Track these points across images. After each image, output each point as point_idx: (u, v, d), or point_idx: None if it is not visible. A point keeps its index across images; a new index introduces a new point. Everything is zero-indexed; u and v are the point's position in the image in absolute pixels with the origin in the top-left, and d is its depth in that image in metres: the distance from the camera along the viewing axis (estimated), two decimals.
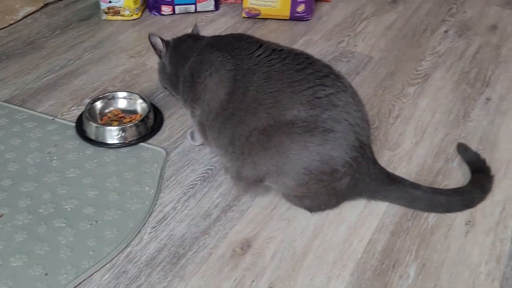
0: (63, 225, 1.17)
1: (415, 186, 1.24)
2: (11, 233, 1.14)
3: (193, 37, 1.36)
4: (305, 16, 2.11)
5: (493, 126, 1.58)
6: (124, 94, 1.53)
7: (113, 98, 1.52)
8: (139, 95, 1.52)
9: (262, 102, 1.12)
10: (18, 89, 1.61)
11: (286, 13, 2.08)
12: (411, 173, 1.38)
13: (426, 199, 1.23)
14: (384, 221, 1.24)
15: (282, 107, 1.10)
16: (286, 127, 1.08)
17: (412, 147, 1.48)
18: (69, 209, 1.21)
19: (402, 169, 1.40)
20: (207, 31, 2.00)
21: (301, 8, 2.07)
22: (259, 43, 1.21)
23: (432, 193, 1.24)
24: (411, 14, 2.24)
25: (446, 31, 2.12)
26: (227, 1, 2.25)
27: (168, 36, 1.41)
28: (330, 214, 1.25)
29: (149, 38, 1.34)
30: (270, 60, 1.15)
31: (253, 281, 1.09)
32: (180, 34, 1.42)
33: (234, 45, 1.22)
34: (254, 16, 2.10)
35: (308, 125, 1.08)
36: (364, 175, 1.17)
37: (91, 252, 1.11)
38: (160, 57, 1.38)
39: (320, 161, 1.09)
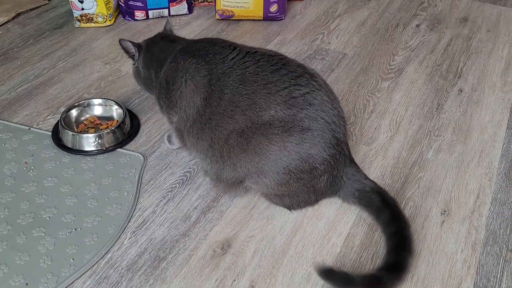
0: (43, 234, 1.17)
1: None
2: None
3: (166, 39, 1.36)
4: (278, 16, 2.12)
5: (465, 116, 1.61)
6: (100, 101, 1.53)
7: (89, 105, 1.52)
8: (115, 101, 1.52)
9: (238, 104, 1.13)
10: None
11: (260, 13, 2.09)
12: (387, 166, 1.40)
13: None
14: (361, 215, 1.26)
15: (258, 108, 1.11)
16: (264, 128, 1.10)
17: (387, 141, 1.50)
18: (48, 218, 1.21)
19: (378, 163, 1.42)
20: (181, 34, 1.98)
21: (274, 8, 2.09)
22: (233, 47, 1.22)
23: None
24: (383, 10, 2.27)
25: (418, 25, 2.15)
26: (200, 4, 2.26)
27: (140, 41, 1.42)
28: (308, 211, 1.26)
29: (120, 43, 1.34)
30: (244, 63, 1.16)
31: (234, 280, 1.10)
32: (156, 34, 1.42)
33: (208, 50, 1.22)
34: (227, 18, 2.11)
35: (286, 125, 1.09)
36: (341, 172, 1.19)
37: (71, 260, 1.11)
38: (133, 61, 1.38)
39: (299, 160, 1.10)
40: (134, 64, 1.40)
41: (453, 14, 2.24)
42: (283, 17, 2.14)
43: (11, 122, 1.51)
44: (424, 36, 2.07)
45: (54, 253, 1.12)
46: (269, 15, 2.10)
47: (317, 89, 1.13)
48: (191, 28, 2.08)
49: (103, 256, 1.14)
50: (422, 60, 1.90)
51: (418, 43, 2.01)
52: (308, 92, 1.12)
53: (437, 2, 2.36)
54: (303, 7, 2.27)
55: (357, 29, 2.11)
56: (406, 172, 1.39)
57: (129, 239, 1.18)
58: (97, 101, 1.52)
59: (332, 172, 1.17)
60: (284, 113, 1.10)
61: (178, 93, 1.22)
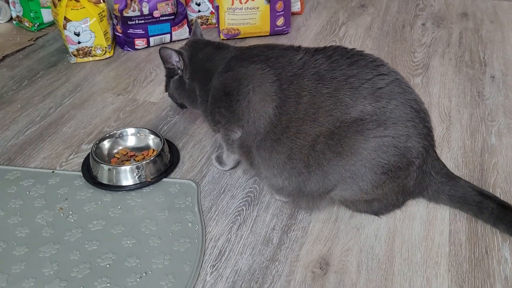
0: (108, 285, 0.98)
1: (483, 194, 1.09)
2: None
3: (210, 45, 1.22)
4: (285, 29, 2.04)
5: (510, 99, 1.55)
6: (132, 130, 1.36)
7: (121, 136, 1.35)
8: (149, 129, 1.36)
9: (321, 105, 0.99)
10: None
11: (266, 28, 2.00)
12: (457, 157, 1.31)
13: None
14: (454, 210, 1.14)
15: (344, 105, 0.98)
16: (356, 125, 0.97)
17: (445, 132, 1.41)
18: (107, 265, 1.02)
19: (445, 155, 1.32)
20: None
21: (280, 21, 2.00)
22: (295, 47, 1.10)
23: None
24: (384, 14, 2.24)
25: (423, 24, 2.13)
26: (201, 27, 2.14)
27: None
28: (397, 214, 1.14)
29: (160, 52, 1.18)
30: (315, 61, 1.04)
31: None
32: (191, 40, 1.27)
33: (268, 55, 1.09)
34: (233, 37, 2.01)
35: (378, 119, 0.97)
36: (429, 166, 1.08)
37: None
38: (172, 72, 1.22)
39: (397, 155, 0.98)
40: (177, 76, 1.22)
41: (452, 11, 2.24)
42: (289, 31, 2.06)
43: (29, 168, 1.31)
44: (434, 32, 2.04)
45: None
46: (276, 29, 2.01)
47: (400, 77, 1.03)
48: None
49: None
50: (442, 54, 1.86)
51: (432, 39, 1.98)
52: (393, 80, 1.01)
53: (432, 2, 2.36)
54: (304, 19, 2.21)
55: (366, 33, 2.05)
56: (478, 160, 1.29)
57: (211, 274, 1.00)
58: (130, 130, 1.35)
59: (422, 167, 1.06)
60: (373, 106, 0.98)
61: (244, 104, 1.07)
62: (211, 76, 1.15)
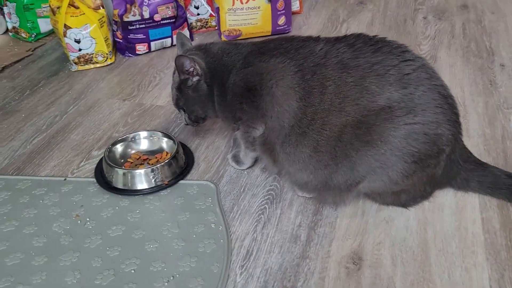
0: None
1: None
2: None
3: (221, 43, 1.19)
4: (287, 28, 2.02)
5: None
6: (145, 133, 1.32)
7: (134, 139, 1.31)
8: (162, 132, 1.32)
9: (347, 94, 0.96)
10: (6, 158, 1.35)
11: (268, 28, 1.98)
12: (478, 145, 1.29)
13: None
14: (483, 197, 1.11)
15: (371, 93, 0.95)
16: (384, 113, 0.94)
17: (462, 121, 1.38)
18: (132, 271, 0.97)
19: (466, 143, 1.28)
20: None
21: (282, 20, 1.98)
22: (314, 38, 1.07)
23: None
24: (384, 10, 2.22)
25: (425, 17, 2.12)
26: (199, 31, 2.12)
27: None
28: (425, 205, 1.11)
29: (175, 62, 1.11)
30: (337, 50, 1.01)
31: None
32: (192, 47, 1.23)
33: (287, 47, 1.06)
34: (235, 38, 1.98)
35: (407, 105, 0.94)
36: (457, 154, 1.05)
37: None
38: (185, 83, 1.14)
39: (428, 142, 0.95)
40: (194, 82, 1.14)
41: (451, 3, 2.24)
42: (290, 29, 2.04)
43: (40, 176, 1.27)
44: (436, 25, 2.03)
45: None
46: (277, 28, 1.99)
47: (426, 63, 1.01)
48: None
49: None
50: (448, 45, 1.85)
51: (435, 32, 1.97)
52: (419, 66, 0.98)
53: None
54: (304, 18, 2.19)
55: (368, 29, 2.04)
56: (501, 147, 1.27)
57: (240, 275, 0.97)
58: (142, 134, 1.32)
59: (450, 156, 1.03)
60: (400, 93, 0.95)
61: (267, 99, 1.03)
62: (229, 72, 1.11)
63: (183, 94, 1.16)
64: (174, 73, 1.19)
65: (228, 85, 1.10)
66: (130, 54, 1.91)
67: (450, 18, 2.09)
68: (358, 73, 0.96)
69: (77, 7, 1.74)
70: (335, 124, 0.97)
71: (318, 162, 1.01)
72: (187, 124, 1.23)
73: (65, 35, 1.76)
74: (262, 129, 1.08)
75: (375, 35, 1.03)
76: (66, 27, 1.75)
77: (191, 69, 1.12)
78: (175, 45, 1.96)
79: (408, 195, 1.07)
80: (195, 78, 1.13)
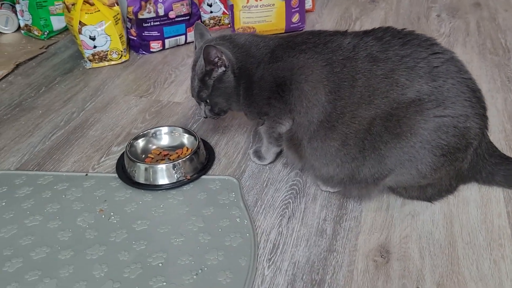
0: (163, 283, 0.93)
1: None
2: None
3: (246, 34, 1.18)
4: (300, 26, 2.02)
5: None
6: (166, 129, 1.32)
7: (155, 135, 1.31)
8: (183, 128, 1.32)
9: (377, 87, 0.96)
10: (26, 154, 1.35)
11: (282, 25, 1.98)
12: (500, 140, 1.29)
13: None
14: (507, 191, 1.11)
15: (401, 86, 0.95)
16: (414, 105, 0.94)
17: None
18: (160, 264, 0.97)
19: None
20: None
21: (296, 18, 1.98)
22: (342, 32, 1.06)
23: None
24: (396, 8, 2.23)
25: (438, 15, 2.12)
26: (212, 29, 2.12)
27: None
28: (450, 199, 1.11)
29: (203, 53, 1.07)
30: (365, 43, 1.00)
31: (418, 287, 0.90)
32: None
33: (315, 41, 1.05)
34: None
35: (437, 98, 0.94)
36: (483, 148, 1.05)
37: None
38: (209, 74, 1.12)
39: (457, 135, 0.95)
40: (219, 73, 1.11)
41: (464, 1, 2.24)
42: (304, 27, 2.04)
43: (61, 172, 1.27)
44: (451, 23, 2.03)
45: None
46: (291, 26, 1.99)
47: (455, 55, 1.01)
48: None
49: None
50: (463, 42, 1.85)
51: (450, 29, 1.97)
52: (448, 59, 0.98)
53: None
54: (317, 16, 2.19)
55: None
56: None
57: (268, 268, 0.96)
58: (163, 129, 1.32)
59: (476, 150, 1.03)
60: (429, 85, 0.95)
61: (296, 94, 1.03)
62: (257, 65, 1.10)
63: (206, 85, 1.13)
64: (194, 65, 1.17)
65: (255, 79, 1.09)
66: (144, 52, 1.91)
67: (463, 16, 2.09)
68: (387, 66, 0.96)
69: (92, 4, 1.74)
70: (364, 117, 0.97)
71: (345, 156, 1.01)
72: (206, 117, 1.21)
73: (80, 32, 1.76)
74: (289, 125, 1.07)
75: (403, 28, 1.03)
76: (81, 24, 1.75)
77: (217, 60, 1.09)
78: (189, 42, 1.97)
79: (434, 189, 1.06)
80: (221, 69, 1.11)
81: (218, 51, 1.07)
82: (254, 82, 1.09)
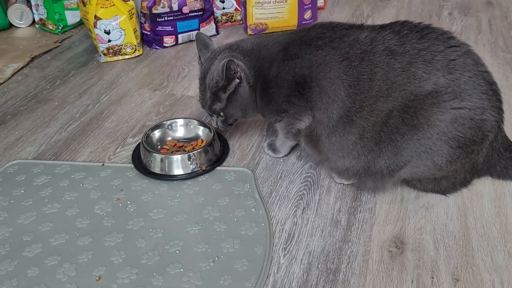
0: (181, 270, 0.94)
1: None
2: None
3: (249, 39, 1.18)
4: (312, 23, 2.02)
5: None
6: (181, 121, 1.34)
7: (171, 126, 1.33)
8: (198, 120, 1.34)
9: (395, 80, 0.97)
10: (43, 144, 1.37)
11: (294, 22, 1.99)
12: (511, 136, 1.29)
13: None
14: None
15: (418, 79, 0.96)
16: (431, 97, 0.95)
17: None
18: (177, 252, 0.99)
19: None
20: None
21: (308, 14, 2.00)
22: (357, 25, 1.07)
23: None
24: (408, 6, 2.23)
25: (450, 13, 2.12)
26: (224, 25, 2.13)
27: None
28: (464, 192, 1.12)
29: (224, 69, 1.06)
30: (383, 37, 1.01)
31: (433, 277, 0.92)
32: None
33: (331, 36, 1.05)
34: (261, 32, 2.00)
35: (454, 91, 0.95)
36: (499, 142, 1.06)
37: None
38: (224, 88, 1.11)
39: (473, 128, 0.96)
40: (235, 84, 1.10)
41: (476, 0, 2.24)
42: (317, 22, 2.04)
43: (77, 162, 1.28)
44: (462, 21, 2.03)
45: None
46: (303, 22, 2.00)
47: (471, 49, 1.01)
48: None
49: (265, 281, 0.92)
50: (475, 40, 1.85)
51: (462, 28, 1.97)
52: (465, 52, 0.99)
53: None
54: (328, 13, 2.20)
55: None
56: None
57: (284, 256, 0.98)
58: (179, 121, 1.33)
59: (492, 143, 1.04)
60: (446, 78, 0.96)
61: (316, 91, 1.03)
62: (270, 64, 1.09)
63: (220, 98, 1.12)
64: (204, 77, 1.15)
65: (270, 78, 1.09)
66: (157, 47, 1.93)
67: (475, 14, 2.09)
68: (405, 59, 0.97)
69: None
70: (382, 110, 0.98)
71: (362, 148, 1.02)
72: (217, 128, 1.21)
73: (95, 26, 1.78)
74: (309, 121, 1.08)
75: (420, 22, 1.04)
76: (96, 18, 1.77)
77: (234, 73, 1.09)
78: None
79: (448, 182, 1.07)
80: (235, 82, 1.10)
81: (234, 64, 1.06)
82: (270, 82, 1.09)
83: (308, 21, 2.01)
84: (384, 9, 2.21)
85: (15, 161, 1.28)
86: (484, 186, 1.13)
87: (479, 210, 1.06)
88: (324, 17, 2.15)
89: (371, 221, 1.05)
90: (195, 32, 1.90)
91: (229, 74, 1.07)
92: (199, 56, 1.22)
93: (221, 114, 1.16)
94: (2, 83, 1.72)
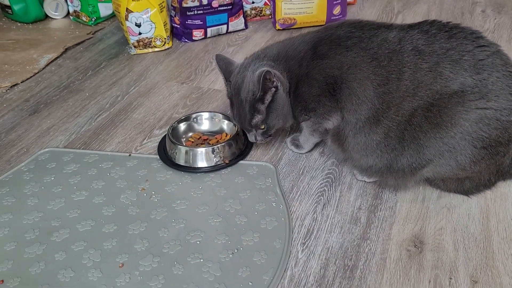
0: (200, 260, 0.97)
1: None
2: (143, 281, 0.93)
3: (279, 43, 1.18)
4: (341, 19, 2.02)
5: None
6: (207, 115, 1.36)
7: (196, 119, 1.35)
8: (223, 114, 1.36)
9: (422, 79, 0.96)
10: (73, 133, 1.41)
11: (323, 17, 1.99)
12: None
13: None
14: None
15: (445, 79, 0.95)
16: (457, 96, 0.94)
17: None
18: (198, 242, 1.01)
19: None
20: (246, 49, 1.88)
21: (337, 10, 1.99)
22: (386, 25, 1.06)
23: None
24: (440, 2, 2.20)
25: (483, 11, 2.08)
26: (253, 19, 2.14)
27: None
28: (487, 194, 1.11)
29: (260, 81, 1.04)
30: (411, 36, 1.00)
31: (451, 278, 0.91)
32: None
33: (360, 36, 1.04)
34: (289, 27, 2.00)
35: (480, 91, 0.94)
36: None
37: (249, 284, 0.91)
38: (262, 99, 1.09)
39: (499, 128, 0.94)
40: (274, 92, 1.09)
41: None
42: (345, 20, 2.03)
43: (106, 151, 1.32)
44: (496, 19, 1.99)
45: (226, 279, 0.93)
46: (332, 18, 1.99)
47: (501, 49, 1.00)
48: (254, 41, 1.95)
49: (283, 275, 0.94)
50: (508, 39, 1.81)
51: (495, 26, 1.93)
52: (494, 52, 0.98)
53: None
54: (358, 9, 2.18)
55: None
56: None
57: (302, 252, 0.99)
58: (204, 115, 1.36)
59: None
60: (474, 78, 0.95)
61: (346, 92, 1.04)
62: (299, 63, 1.09)
63: (259, 111, 1.11)
64: (237, 93, 1.12)
65: (300, 77, 1.09)
66: (186, 40, 1.96)
67: (510, 12, 2.04)
68: (432, 59, 0.97)
69: None
70: (407, 109, 0.98)
71: (385, 147, 1.02)
72: (256, 142, 1.19)
73: (126, 19, 1.82)
74: (337, 121, 1.08)
75: (449, 22, 1.03)
76: (128, 11, 1.81)
77: (271, 83, 1.07)
78: (230, 32, 2.01)
79: (472, 183, 1.06)
80: (272, 91, 1.08)
81: (271, 74, 1.05)
82: (299, 81, 1.10)
83: (337, 17, 2.00)
84: (416, 5, 2.18)
85: (46, 149, 1.33)
86: (509, 188, 1.11)
87: (502, 213, 1.05)
88: (353, 12, 2.14)
89: (391, 220, 1.05)
90: (224, 26, 1.93)
91: (265, 85, 1.06)
92: (224, 77, 1.19)
93: (262, 126, 1.14)
94: (36, 73, 1.78)
